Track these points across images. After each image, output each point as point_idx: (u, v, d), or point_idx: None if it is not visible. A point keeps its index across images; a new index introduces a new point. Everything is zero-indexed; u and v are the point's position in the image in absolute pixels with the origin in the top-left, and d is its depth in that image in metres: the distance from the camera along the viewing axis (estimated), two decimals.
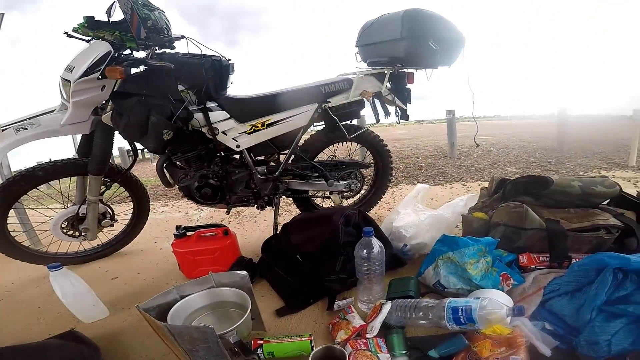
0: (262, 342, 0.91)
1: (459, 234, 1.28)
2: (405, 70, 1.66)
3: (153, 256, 1.73)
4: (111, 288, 1.42)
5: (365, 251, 1.05)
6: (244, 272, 0.97)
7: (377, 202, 2.01)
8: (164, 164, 1.47)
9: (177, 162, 1.47)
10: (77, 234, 1.58)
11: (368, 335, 0.91)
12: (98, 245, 1.75)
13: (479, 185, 2.72)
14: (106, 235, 1.76)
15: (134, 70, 1.26)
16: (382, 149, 1.83)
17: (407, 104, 1.73)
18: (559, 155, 4.05)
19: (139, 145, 1.44)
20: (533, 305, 0.95)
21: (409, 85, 1.71)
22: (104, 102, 1.34)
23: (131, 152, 1.56)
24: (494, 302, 0.83)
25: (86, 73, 1.22)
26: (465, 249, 1.08)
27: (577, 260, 1.06)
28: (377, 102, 1.71)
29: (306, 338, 0.91)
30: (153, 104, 1.24)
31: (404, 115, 1.75)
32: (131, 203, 1.77)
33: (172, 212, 2.68)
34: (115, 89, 1.28)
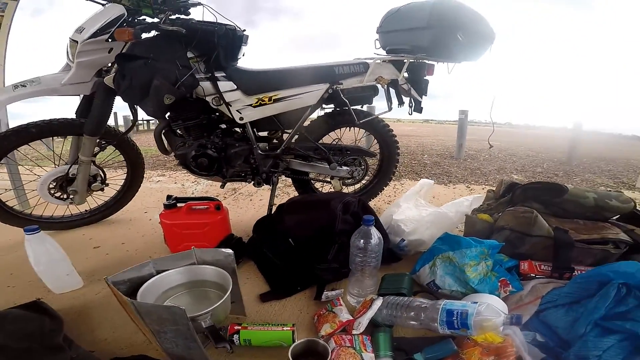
0: (239, 327, 0.85)
1: (460, 235, 1.23)
2: (426, 61, 1.60)
3: (141, 227, 1.68)
4: (91, 257, 1.37)
5: (362, 241, 0.99)
6: (229, 251, 0.91)
7: (378, 194, 1.95)
8: (163, 131, 1.43)
9: (177, 130, 1.44)
10: (64, 196, 1.53)
11: (354, 332, 0.86)
12: (85, 210, 1.70)
13: (483, 188, 2.65)
14: (95, 201, 1.71)
15: (145, 36, 1.24)
16: (391, 139, 1.77)
17: (423, 96, 1.67)
18: (567, 168, 3.97)
19: (148, 117, 1.41)
20: (527, 314, 0.91)
21: (427, 77, 1.65)
22: (109, 64, 1.32)
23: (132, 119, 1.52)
24: (492, 308, 0.78)
25: (95, 34, 1.22)
26: (467, 249, 1.02)
27: (580, 272, 1.03)
28: (391, 90, 1.64)
29: (288, 328, 0.86)
30: (158, 68, 1.21)
31: (418, 107, 1.69)
32: (125, 169, 1.71)
33: (167, 183, 2.62)
34: (122, 51, 1.26)
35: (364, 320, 0.86)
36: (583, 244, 1.04)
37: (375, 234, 1.00)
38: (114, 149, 1.61)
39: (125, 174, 1.72)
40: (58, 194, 1.52)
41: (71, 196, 1.51)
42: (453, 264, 1.03)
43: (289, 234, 1.28)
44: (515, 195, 1.27)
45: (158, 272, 0.89)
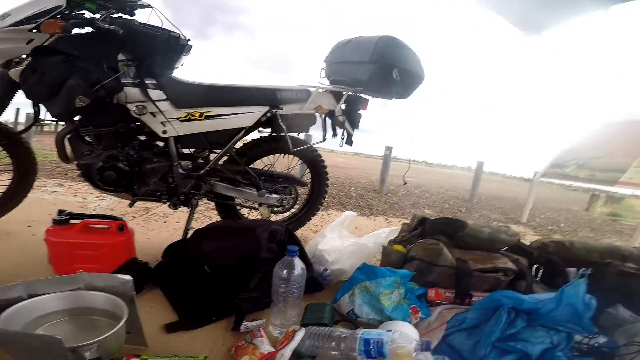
0: (137, 359, 0.74)
1: (377, 264, 1.28)
2: (363, 95, 1.66)
3: (20, 242, 1.41)
4: None
5: (285, 271, 0.97)
6: (127, 277, 0.81)
7: (306, 223, 1.95)
8: (68, 135, 1.27)
9: (86, 137, 1.28)
10: None
11: None
12: None
13: (399, 221, 2.87)
14: None
15: (78, 31, 1.16)
16: (322, 169, 1.80)
17: (355, 129, 1.72)
18: (469, 205, 4.57)
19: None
20: (436, 339, 0.98)
21: (361, 111, 1.71)
22: (24, 56, 1.17)
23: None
24: (405, 335, 0.81)
25: (20, 23, 1.10)
26: (382, 279, 1.08)
27: (478, 297, 1.14)
28: (328, 121, 1.68)
29: None
30: (78, 66, 1.13)
31: (349, 140, 1.73)
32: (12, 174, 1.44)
33: (65, 195, 2.26)
34: (44, 44, 1.13)
35: (287, 352, 0.82)
36: (480, 273, 1.18)
37: (298, 265, 0.99)
38: (1, 149, 1.37)
39: (11, 180, 1.44)
40: None
41: None
42: (370, 293, 1.07)
43: (206, 261, 1.19)
44: (426, 228, 1.38)
45: (30, 296, 0.76)
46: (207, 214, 2.22)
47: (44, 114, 1.29)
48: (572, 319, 0.84)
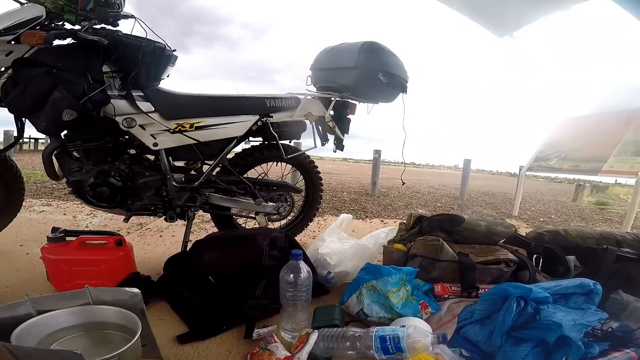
0: None
1: (379, 264, 1.29)
2: (350, 100, 1.69)
3: (14, 261, 1.38)
4: None
5: (292, 275, 0.97)
6: (135, 290, 0.79)
7: (304, 229, 1.94)
8: (55, 151, 1.23)
9: (74, 152, 1.26)
10: None
11: None
12: None
13: (394, 222, 2.89)
14: None
15: (59, 43, 1.13)
16: (315, 175, 1.80)
17: (345, 134, 1.74)
18: (460, 202, 4.65)
19: (36, 135, 1.21)
20: (449, 332, 0.98)
21: (349, 116, 1.73)
22: (2, 69, 1.13)
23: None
24: (419, 329, 0.83)
25: None
26: (388, 277, 1.08)
27: (484, 290, 1.15)
28: (319, 127, 1.69)
29: None
30: (63, 79, 1.09)
31: (340, 145, 1.74)
32: None
33: (54, 213, 2.19)
34: (24, 56, 1.10)
35: (303, 355, 0.82)
36: (482, 265, 1.20)
37: (304, 268, 0.99)
38: None
39: None
40: None
41: None
42: (377, 292, 1.08)
43: (209, 272, 1.18)
44: (423, 226, 1.41)
45: (39, 313, 0.74)
46: (202, 226, 2.19)
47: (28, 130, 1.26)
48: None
